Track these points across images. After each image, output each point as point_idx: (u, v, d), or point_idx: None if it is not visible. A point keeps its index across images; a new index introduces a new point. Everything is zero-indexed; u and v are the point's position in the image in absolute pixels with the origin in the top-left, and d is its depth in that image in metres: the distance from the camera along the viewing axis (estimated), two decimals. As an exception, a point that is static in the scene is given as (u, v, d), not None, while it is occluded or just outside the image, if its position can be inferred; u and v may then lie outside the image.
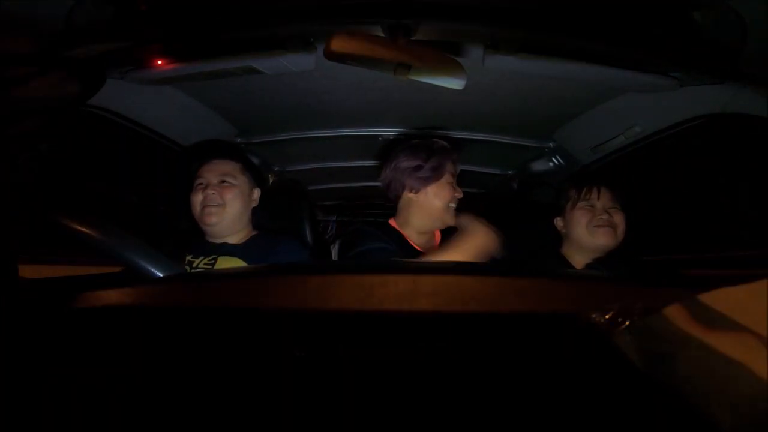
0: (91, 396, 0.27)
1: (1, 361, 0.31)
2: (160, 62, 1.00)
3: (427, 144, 1.15)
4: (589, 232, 1.10)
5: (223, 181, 1.10)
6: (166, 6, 0.88)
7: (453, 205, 1.10)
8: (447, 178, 1.10)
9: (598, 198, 1.11)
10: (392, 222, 1.15)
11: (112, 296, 0.41)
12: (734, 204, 1.10)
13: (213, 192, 1.07)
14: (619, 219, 1.10)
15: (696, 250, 1.19)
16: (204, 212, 1.07)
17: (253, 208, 1.17)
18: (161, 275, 0.48)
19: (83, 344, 0.35)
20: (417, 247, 1.11)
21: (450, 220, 1.09)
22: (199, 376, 0.29)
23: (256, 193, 1.18)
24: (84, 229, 0.47)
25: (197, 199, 1.08)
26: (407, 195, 1.12)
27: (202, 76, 1.07)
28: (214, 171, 1.11)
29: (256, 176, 1.20)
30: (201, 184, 1.10)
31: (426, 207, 1.10)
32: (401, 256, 1.04)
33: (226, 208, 1.08)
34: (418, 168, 1.10)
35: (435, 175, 1.10)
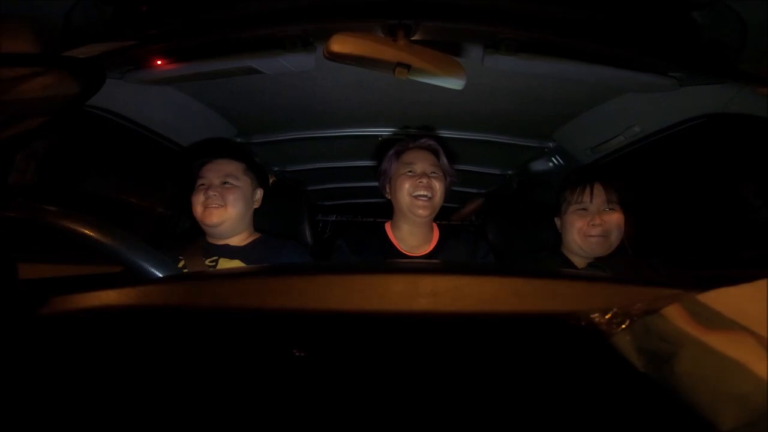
0: (90, 397, 0.26)
1: (1, 361, 0.31)
2: (160, 62, 0.99)
3: (392, 141, 1.16)
4: (580, 239, 1.08)
5: (225, 182, 1.08)
6: (166, 6, 0.88)
7: (420, 194, 1.06)
8: (403, 168, 1.09)
9: (591, 200, 1.08)
10: (387, 225, 1.16)
11: (112, 296, 0.41)
12: (734, 204, 1.10)
13: (215, 193, 1.05)
14: (614, 222, 1.06)
15: (696, 250, 1.19)
16: (205, 213, 1.05)
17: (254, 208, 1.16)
18: (161, 275, 0.48)
19: (82, 344, 0.35)
20: (403, 251, 1.10)
21: (421, 212, 1.05)
22: (199, 377, 0.29)
23: (259, 194, 1.16)
24: (83, 229, 0.47)
25: (198, 199, 1.06)
26: (387, 195, 1.15)
27: (202, 76, 1.07)
28: (216, 171, 1.09)
29: (259, 176, 1.17)
30: (203, 184, 1.08)
31: (395, 202, 1.11)
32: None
33: (228, 210, 1.06)
34: (382, 164, 1.15)
35: (389, 168, 1.13)
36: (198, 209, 1.07)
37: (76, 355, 0.32)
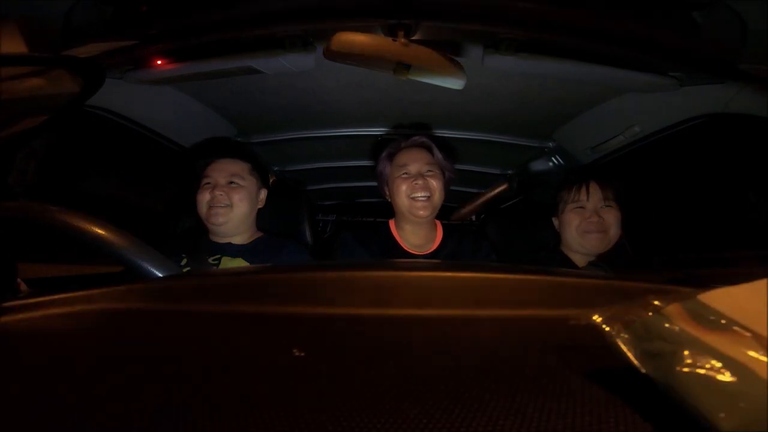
0: (90, 396, 0.27)
1: (1, 360, 0.31)
2: (160, 62, 1.00)
3: (386, 141, 1.16)
4: (579, 236, 1.08)
5: (231, 182, 1.08)
6: (166, 6, 0.88)
7: (417, 195, 1.05)
8: (397, 170, 1.09)
9: (588, 198, 1.09)
10: (391, 223, 1.16)
11: (112, 296, 0.41)
12: (734, 204, 1.10)
13: (221, 193, 1.06)
14: (611, 218, 1.07)
15: (696, 250, 1.19)
16: (211, 212, 1.05)
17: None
18: (161, 275, 0.48)
19: (83, 344, 0.35)
20: (407, 249, 1.10)
21: (421, 213, 1.05)
22: (199, 376, 0.29)
23: (263, 194, 1.16)
24: (83, 229, 0.47)
25: (204, 198, 1.06)
26: (386, 197, 1.15)
27: (202, 76, 1.07)
28: (222, 171, 1.09)
29: (263, 177, 1.18)
30: (209, 183, 1.08)
31: (394, 204, 1.10)
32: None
33: (234, 210, 1.06)
34: (378, 166, 1.15)
35: (384, 171, 1.13)
36: (203, 209, 1.07)
37: (77, 354, 0.32)
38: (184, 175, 1.21)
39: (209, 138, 1.40)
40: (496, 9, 0.83)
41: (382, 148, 1.19)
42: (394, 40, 0.83)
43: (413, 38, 0.86)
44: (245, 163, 1.12)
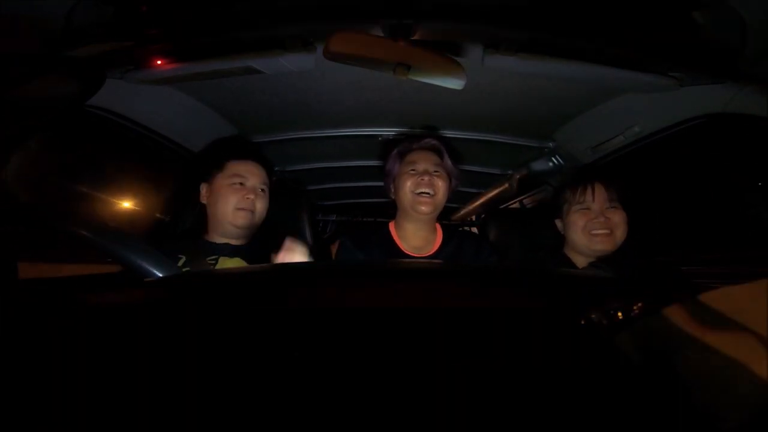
0: (91, 396, 0.27)
1: (1, 361, 0.31)
2: (160, 62, 0.99)
3: (396, 141, 1.17)
4: (585, 237, 1.08)
5: (262, 189, 1.10)
6: (166, 6, 0.88)
7: (422, 191, 1.07)
8: (406, 167, 1.11)
9: (593, 199, 1.09)
10: (391, 225, 1.16)
11: (112, 296, 0.41)
12: (734, 204, 1.10)
13: (251, 196, 1.06)
14: (618, 219, 1.07)
15: (696, 250, 1.19)
16: (238, 214, 1.05)
17: None
18: (161, 275, 0.48)
19: (83, 344, 0.35)
20: (407, 251, 1.10)
21: (423, 209, 1.06)
22: (198, 377, 0.29)
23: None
24: (84, 230, 0.47)
25: (234, 197, 1.06)
26: (391, 195, 1.16)
27: (202, 76, 1.07)
28: (256, 175, 1.10)
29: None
30: (241, 183, 1.08)
31: (398, 200, 1.12)
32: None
33: (256, 217, 1.08)
34: (387, 165, 1.16)
35: (393, 168, 1.14)
36: (229, 207, 1.06)
37: (77, 354, 0.32)
38: (185, 174, 1.20)
39: (234, 136, 1.41)
40: (496, 9, 0.83)
41: (387, 149, 1.20)
42: (394, 40, 0.83)
43: (413, 38, 0.86)
44: (268, 173, 1.14)
